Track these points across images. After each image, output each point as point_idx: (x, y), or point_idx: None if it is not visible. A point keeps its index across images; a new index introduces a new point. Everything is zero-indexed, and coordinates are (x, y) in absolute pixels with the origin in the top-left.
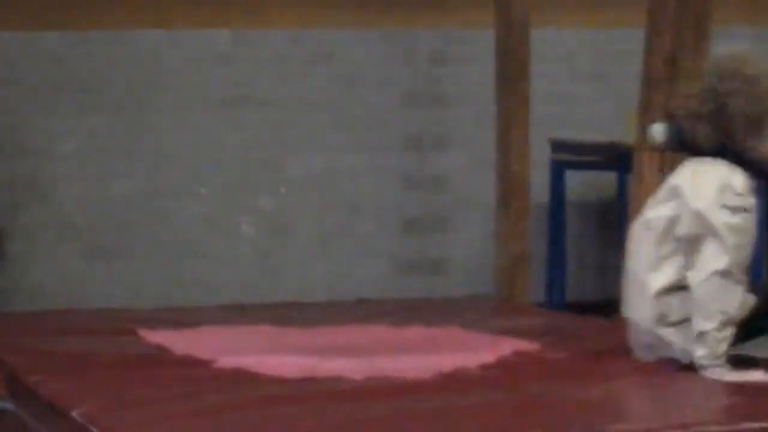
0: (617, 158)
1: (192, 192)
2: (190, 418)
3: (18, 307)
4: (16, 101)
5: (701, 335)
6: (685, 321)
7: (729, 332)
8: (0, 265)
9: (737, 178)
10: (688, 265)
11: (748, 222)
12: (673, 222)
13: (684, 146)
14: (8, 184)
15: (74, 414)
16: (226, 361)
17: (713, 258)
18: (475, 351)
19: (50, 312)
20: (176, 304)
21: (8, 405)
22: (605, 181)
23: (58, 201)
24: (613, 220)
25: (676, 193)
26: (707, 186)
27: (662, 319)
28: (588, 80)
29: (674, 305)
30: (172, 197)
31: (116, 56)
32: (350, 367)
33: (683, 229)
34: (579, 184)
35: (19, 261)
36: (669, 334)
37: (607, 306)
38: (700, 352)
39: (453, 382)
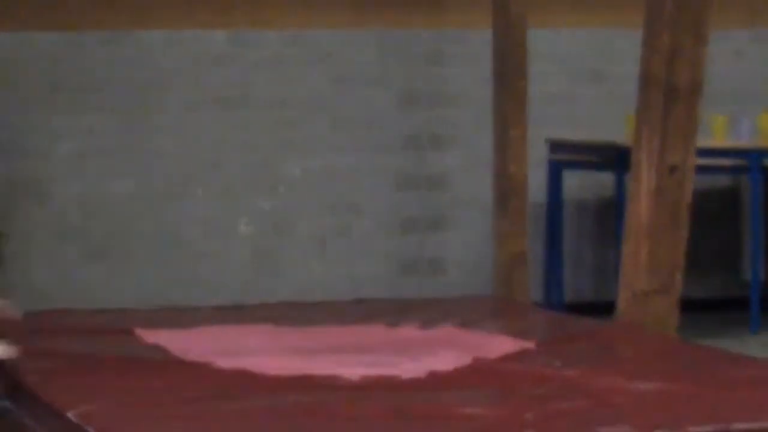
0: (615, 158)
1: (190, 192)
2: (189, 420)
3: (16, 307)
4: (15, 101)
5: None
6: None
7: None
8: None
9: None
10: None
11: None
12: None
13: None
14: (7, 184)
15: (71, 414)
16: (225, 361)
17: None
18: (471, 351)
19: (48, 312)
20: (174, 304)
21: (7, 404)
22: (603, 181)
23: (57, 201)
24: (610, 220)
25: None
26: None
27: None
28: (585, 80)
29: None
30: (170, 197)
31: (115, 57)
32: (347, 367)
33: None
34: (577, 184)
35: (17, 261)
36: None
37: (604, 306)
38: None
39: (448, 381)
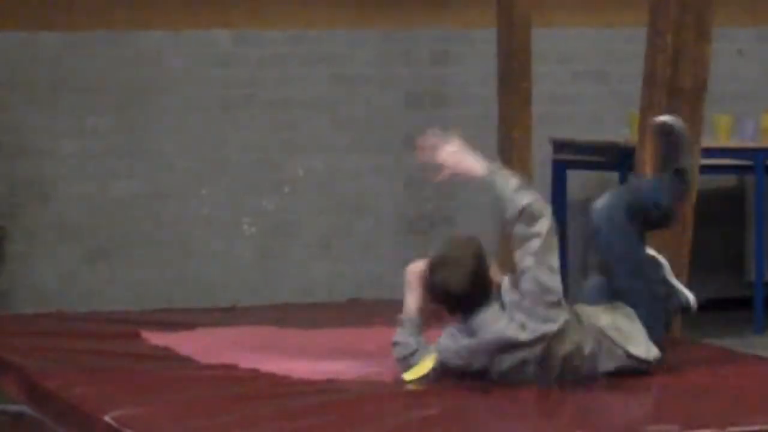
0: (619, 158)
1: (193, 192)
2: (228, 424)
3: (18, 308)
4: (17, 101)
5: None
6: None
7: None
8: (0, 266)
9: None
10: None
11: None
12: None
13: None
14: (9, 184)
15: (107, 419)
16: (243, 363)
17: None
18: None
19: (51, 314)
20: (177, 305)
21: (26, 408)
22: (607, 181)
23: (59, 201)
24: None
25: None
26: None
27: None
28: (589, 80)
29: None
30: (173, 198)
31: (117, 57)
32: (373, 370)
33: None
34: (581, 184)
35: (20, 261)
36: None
37: None
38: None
39: (464, 383)
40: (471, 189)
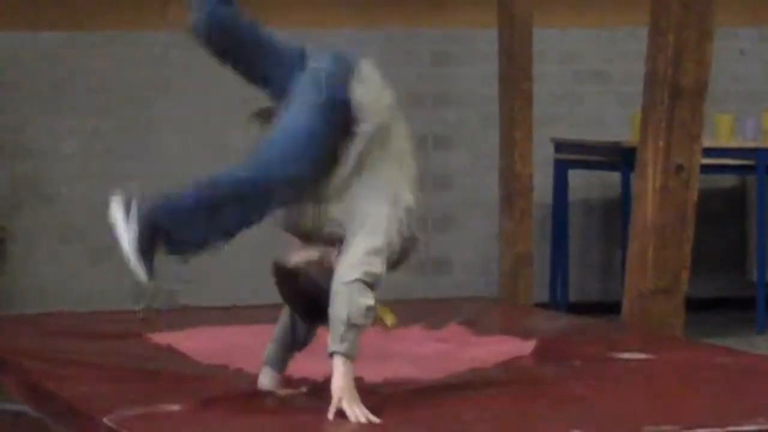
0: (620, 158)
1: None
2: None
3: (20, 309)
4: (18, 102)
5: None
6: None
7: None
8: (2, 266)
9: None
10: None
11: None
12: None
13: None
14: (10, 185)
15: (106, 420)
16: (245, 363)
17: None
18: (478, 352)
19: (53, 314)
20: (179, 305)
21: (26, 408)
22: (608, 180)
23: (61, 202)
24: (616, 220)
25: None
26: None
27: None
28: (591, 80)
29: None
30: None
31: (119, 57)
32: (365, 370)
33: None
34: (582, 183)
35: (21, 262)
36: None
37: (610, 306)
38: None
39: (464, 383)
40: (471, 188)
